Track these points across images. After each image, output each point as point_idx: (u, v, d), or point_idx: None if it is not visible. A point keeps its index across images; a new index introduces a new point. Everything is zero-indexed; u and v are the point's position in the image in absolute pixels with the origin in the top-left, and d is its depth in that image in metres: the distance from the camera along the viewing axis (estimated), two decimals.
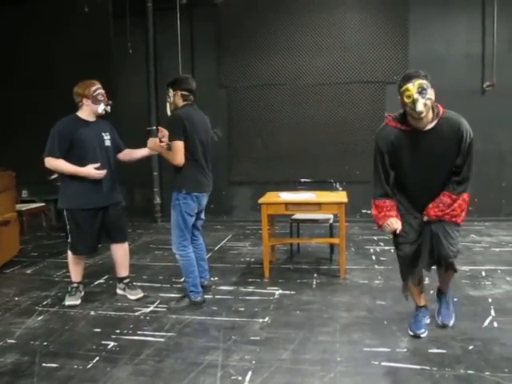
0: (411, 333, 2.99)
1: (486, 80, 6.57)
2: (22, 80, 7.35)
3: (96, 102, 3.66)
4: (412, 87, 2.59)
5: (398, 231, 2.83)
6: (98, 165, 3.62)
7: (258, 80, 7.10)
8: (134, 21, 7.05)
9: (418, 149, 2.72)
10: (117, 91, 7.29)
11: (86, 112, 3.70)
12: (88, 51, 6.82)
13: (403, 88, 2.63)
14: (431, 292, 3.45)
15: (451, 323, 3.09)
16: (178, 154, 3.41)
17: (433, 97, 2.63)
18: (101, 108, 3.69)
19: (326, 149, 6.93)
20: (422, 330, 2.98)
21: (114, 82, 7.28)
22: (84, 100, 3.66)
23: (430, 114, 2.67)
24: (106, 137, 3.78)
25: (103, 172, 3.63)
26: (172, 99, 3.60)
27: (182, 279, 4.05)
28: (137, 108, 7.32)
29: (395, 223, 2.81)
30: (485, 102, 6.60)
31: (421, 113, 2.57)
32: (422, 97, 2.58)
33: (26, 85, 7.31)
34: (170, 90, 3.61)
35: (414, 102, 2.57)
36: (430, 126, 2.69)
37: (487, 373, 2.50)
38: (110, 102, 3.76)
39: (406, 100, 2.61)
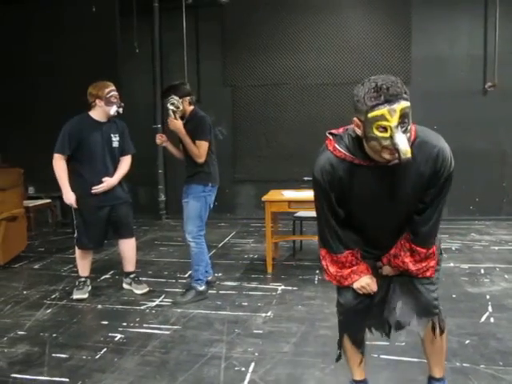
0: None
1: (487, 80, 6.63)
2: (29, 79, 7.44)
3: (109, 103, 3.75)
4: (391, 116, 1.63)
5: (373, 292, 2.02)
6: (101, 187, 3.74)
7: (262, 79, 7.18)
8: (141, 20, 7.14)
9: (378, 187, 1.85)
10: (122, 90, 7.35)
11: (98, 112, 3.80)
12: (94, 50, 6.91)
13: (374, 113, 1.65)
14: None
15: None
16: (204, 153, 3.73)
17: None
18: (113, 110, 3.77)
19: None
20: None
21: (120, 81, 7.36)
22: (97, 101, 3.75)
23: None
24: (115, 138, 3.87)
25: (72, 204, 3.74)
26: (181, 107, 3.73)
27: (188, 274, 4.15)
28: (142, 106, 7.40)
29: (372, 284, 2.00)
30: (486, 102, 6.66)
31: (407, 159, 1.64)
32: (404, 131, 1.65)
33: (34, 83, 7.41)
34: (176, 98, 3.71)
35: (395, 140, 1.63)
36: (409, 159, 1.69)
37: (482, 366, 2.59)
38: (123, 104, 3.85)
39: (378, 134, 1.66)
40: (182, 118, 3.78)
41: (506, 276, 4.19)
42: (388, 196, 1.86)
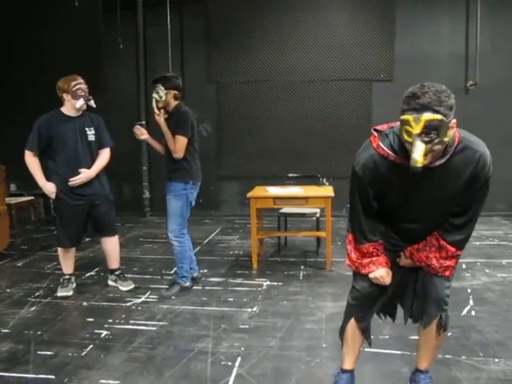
0: None
1: (469, 79, 6.73)
2: (10, 75, 7.36)
3: (75, 96, 3.69)
4: (415, 123, 1.69)
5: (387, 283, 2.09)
6: (79, 178, 3.70)
7: (246, 76, 7.19)
8: (124, 16, 7.09)
9: (417, 188, 1.90)
10: (106, 86, 7.35)
11: (68, 107, 3.76)
12: (78, 46, 6.86)
13: (403, 117, 1.73)
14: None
15: None
16: (182, 148, 3.66)
17: (450, 136, 1.75)
18: (79, 103, 3.70)
19: (313, 145, 7.05)
20: None
21: (104, 77, 7.34)
22: (64, 95, 3.71)
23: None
24: (90, 132, 3.81)
25: (52, 194, 3.71)
26: (164, 98, 3.70)
27: (173, 270, 4.16)
28: (126, 103, 7.37)
29: (386, 277, 2.06)
30: (468, 100, 6.75)
31: (415, 168, 1.70)
32: (428, 141, 1.69)
33: (16, 79, 7.32)
34: (162, 88, 3.69)
35: (413, 146, 1.70)
36: (439, 162, 1.81)
37: (463, 357, 2.66)
38: (91, 98, 3.78)
39: (405, 136, 1.74)
40: (163, 108, 3.75)
41: (487, 270, 4.28)
42: (425, 196, 1.92)
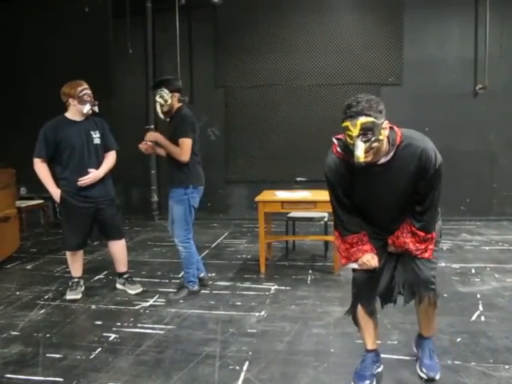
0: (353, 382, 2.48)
1: (478, 82, 6.70)
2: (20, 78, 7.43)
3: (82, 102, 3.72)
4: (353, 127, 2.03)
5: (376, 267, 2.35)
6: (87, 178, 3.73)
7: (254, 80, 7.21)
8: (133, 21, 7.14)
9: (374, 181, 2.21)
10: (115, 90, 7.42)
11: (73, 112, 3.78)
12: (87, 51, 6.91)
13: (343, 124, 2.08)
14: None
15: (438, 376, 2.47)
16: (188, 151, 3.65)
17: (384, 135, 2.07)
18: (86, 108, 3.74)
19: (321, 148, 6.91)
20: (367, 382, 2.44)
21: (113, 81, 7.40)
22: (70, 100, 3.74)
23: (385, 146, 2.12)
24: (95, 135, 3.84)
25: (57, 196, 3.73)
26: (170, 101, 3.71)
27: (181, 274, 4.17)
28: (135, 107, 7.42)
29: (372, 260, 2.32)
30: (477, 104, 6.74)
31: (359, 163, 2.04)
32: (366, 141, 2.02)
33: (25, 83, 7.40)
34: (167, 92, 3.69)
35: (354, 146, 2.04)
36: (384, 160, 2.14)
37: (473, 363, 2.63)
38: (97, 103, 3.82)
39: (348, 140, 2.08)
40: (168, 112, 3.77)
41: (497, 275, 4.24)
42: (383, 190, 2.22)
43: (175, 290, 3.98)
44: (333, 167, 2.26)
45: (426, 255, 2.30)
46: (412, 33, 6.78)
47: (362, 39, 6.89)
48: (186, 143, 3.63)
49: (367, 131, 2.02)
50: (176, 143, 3.66)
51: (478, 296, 3.72)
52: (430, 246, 2.29)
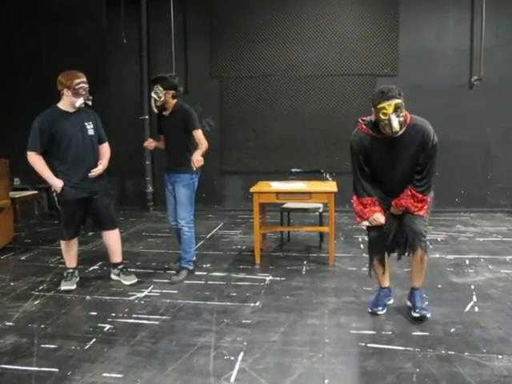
0: (369, 310, 3.23)
1: (473, 74, 6.69)
2: (12, 69, 7.35)
3: (76, 95, 3.67)
4: (388, 107, 2.79)
5: (383, 224, 3.10)
6: (98, 169, 3.78)
7: (250, 71, 7.17)
8: (128, 11, 7.07)
9: (388, 151, 2.97)
10: (110, 81, 7.36)
11: (66, 102, 3.73)
12: (81, 41, 6.84)
13: (380, 106, 2.81)
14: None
15: (429, 315, 3.06)
16: (204, 139, 4.01)
17: (405, 113, 2.86)
18: (79, 102, 3.69)
19: (316, 139, 7.04)
20: (380, 308, 3.22)
21: (107, 72, 7.35)
22: (65, 90, 3.68)
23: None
24: (89, 126, 3.81)
25: (59, 187, 3.70)
26: (163, 98, 3.96)
27: (176, 260, 4.28)
28: (130, 97, 7.38)
29: (381, 217, 3.08)
30: (472, 95, 6.74)
31: (396, 132, 2.82)
32: (397, 115, 2.80)
33: (17, 74, 7.32)
34: (161, 89, 3.95)
35: (390, 121, 2.79)
36: (398, 134, 2.87)
37: (467, 353, 2.65)
38: (91, 98, 3.78)
39: (382, 117, 2.82)
40: (161, 108, 4.04)
41: (490, 266, 4.27)
42: (395, 158, 2.98)
43: (175, 272, 4.14)
44: (357, 140, 3.04)
45: (422, 213, 3.03)
46: (408, 24, 6.76)
47: (357, 30, 6.86)
48: (201, 133, 4.02)
49: (397, 109, 2.79)
50: (180, 134, 4.01)
51: (472, 287, 3.75)
52: (425, 207, 3.03)
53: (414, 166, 2.98)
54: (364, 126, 3.03)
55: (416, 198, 3.00)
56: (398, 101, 2.80)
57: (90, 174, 3.72)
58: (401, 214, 3.11)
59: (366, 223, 3.13)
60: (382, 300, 3.28)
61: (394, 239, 3.19)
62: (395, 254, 3.30)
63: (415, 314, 3.06)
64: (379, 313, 3.20)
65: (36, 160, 3.67)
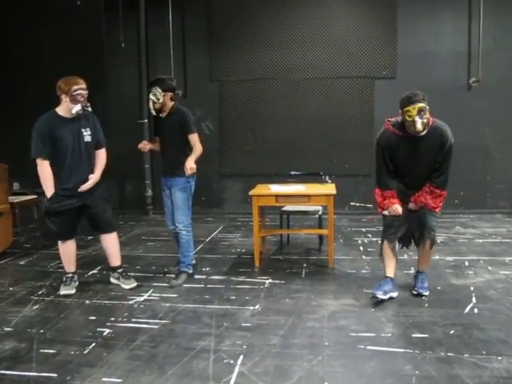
0: (371, 295, 3.53)
1: (472, 76, 6.71)
2: (12, 72, 7.37)
3: (74, 101, 3.66)
4: (413, 110, 3.17)
5: (400, 215, 3.49)
6: (88, 184, 3.76)
7: (248, 74, 7.18)
8: (126, 14, 7.08)
9: (412, 150, 3.35)
10: (108, 84, 7.37)
11: (64, 108, 3.72)
12: (80, 44, 6.86)
13: (405, 109, 3.20)
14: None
15: (426, 293, 3.58)
16: (199, 143, 4.04)
17: (428, 115, 3.25)
18: (76, 109, 3.67)
19: (315, 142, 7.04)
20: (380, 293, 3.45)
21: (106, 76, 7.36)
22: (63, 96, 3.67)
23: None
24: (86, 132, 3.79)
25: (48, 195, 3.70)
26: (162, 99, 3.95)
27: (176, 264, 4.29)
28: (128, 101, 7.38)
29: (399, 208, 3.46)
30: (471, 97, 6.75)
31: (419, 132, 3.22)
32: (421, 117, 3.18)
33: (17, 77, 7.34)
34: (159, 91, 3.93)
35: (414, 122, 3.18)
36: (422, 134, 3.27)
37: (466, 355, 2.64)
38: (89, 105, 3.78)
39: (408, 118, 3.21)
40: (159, 110, 4.02)
41: (490, 268, 4.27)
42: (417, 155, 3.36)
43: (174, 276, 4.13)
44: (384, 138, 3.42)
45: (437, 210, 3.46)
46: (406, 26, 6.78)
47: (356, 33, 6.88)
48: (196, 137, 4.03)
49: (421, 112, 3.18)
50: (176, 137, 4.00)
51: (472, 288, 3.74)
52: (440, 204, 3.44)
53: (433, 164, 3.36)
54: (391, 126, 3.39)
55: (434, 194, 3.40)
56: (422, 104, 3.17)
57: (79, 189, 3.71)
58: (416, 210, 3.49)
59: (386, 212, 3.52)
60: (384, 286, 3.50)
61: (408, 232, 3.60)
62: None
63: (414, 292, 3.61)
64: (379, 296, 3.43)
65: (44, 168, 3.65)
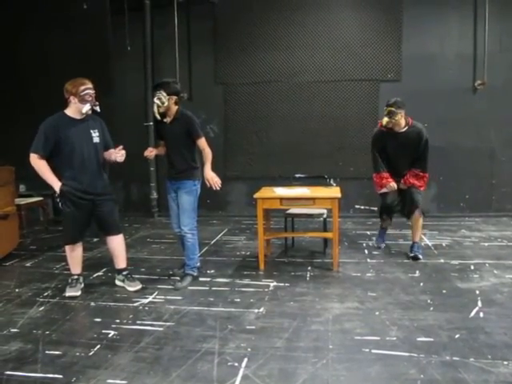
0: (375, 245, 5.20)
1: (477, 79, 6.69)
2: (19, 76, 7.41)
3: (82, 101, 3.71)
4: (385, 111, 4.54)
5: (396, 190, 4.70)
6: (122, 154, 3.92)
7: (253, 77, 7.19)
8: (132, 18, 7.11)
9: (397, 144, 4.60)
10: (114, 87, 7.40)
11: (73, 109, 3.77)
12: (86, 48, 6.88)
13: (385, 109, 4.56)
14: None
15: (421, 256, 4.64)
16: (208, 146, 4.08)
17: (400, 116, 4.50)
18: (85, 108, 3.73)
19: (320, 145, 7.04)
20: (383, 245, 5.17)
21: (112, 79, 7.39)
22: (71, 97, 3.73)
23: (403, 123, 4.57)
24: (95, 134, 3.85)
25: (56, 188, 3.72)
26: (167, 103, 3.94)
27: (181, 266, 4.31)
28: (134, 104, 7.40)
29: (394, 185, 4.65)
30: (476, 100, 6.73)
31: (387, 126, 4.57)
32: (389, 117, 4.49)
33: (24, 81, 7.37)
34: (164, 94, 3.91)
35: (384, 119, 4.55)
36: (402, 130, 4.59)
37: (471, 359, 2.63)
38: (97, 103, 3.81)
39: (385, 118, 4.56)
40: (164, 113, 4.01)
41: (495, 271, 4.25)
42: (400, 149, 4.59)
43: (179, 278, 4.15)
44: (377, 134, 4.71)
45: (422, 188, 4.68)
46: (411, 29, 6.77)
47: (361, 36, 6.88)
48: (204, 141, 4.08)
49: (390, 113, 4.48)
50: (183, 142, 4.02)
51: (477, 292, 3.73)
52: (423, 184, 4.67)
53: (414, 154, 4.60)
54: (381, 125, 4.63)
55: (418, 176, 4.63)
56: (391, 108, 4.46)
57: (118, 157, 3.88)
58: (406, 189, 4.68)
59: (385, 190, 4.68)
60: (383, 236, 5.19)
61: (398, 205, 4.77)
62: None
63: (411, 254, 4.70)
64: (382, 246, 5.13)
65: (38, 163, 3.69)
